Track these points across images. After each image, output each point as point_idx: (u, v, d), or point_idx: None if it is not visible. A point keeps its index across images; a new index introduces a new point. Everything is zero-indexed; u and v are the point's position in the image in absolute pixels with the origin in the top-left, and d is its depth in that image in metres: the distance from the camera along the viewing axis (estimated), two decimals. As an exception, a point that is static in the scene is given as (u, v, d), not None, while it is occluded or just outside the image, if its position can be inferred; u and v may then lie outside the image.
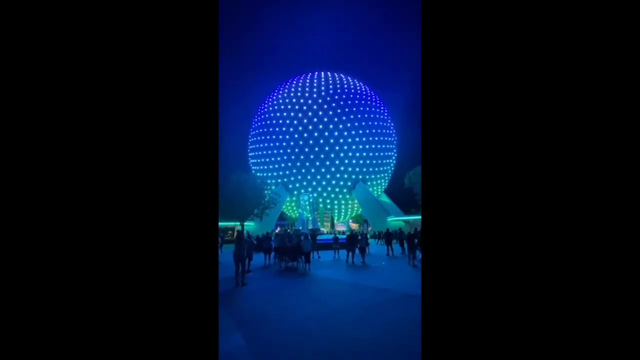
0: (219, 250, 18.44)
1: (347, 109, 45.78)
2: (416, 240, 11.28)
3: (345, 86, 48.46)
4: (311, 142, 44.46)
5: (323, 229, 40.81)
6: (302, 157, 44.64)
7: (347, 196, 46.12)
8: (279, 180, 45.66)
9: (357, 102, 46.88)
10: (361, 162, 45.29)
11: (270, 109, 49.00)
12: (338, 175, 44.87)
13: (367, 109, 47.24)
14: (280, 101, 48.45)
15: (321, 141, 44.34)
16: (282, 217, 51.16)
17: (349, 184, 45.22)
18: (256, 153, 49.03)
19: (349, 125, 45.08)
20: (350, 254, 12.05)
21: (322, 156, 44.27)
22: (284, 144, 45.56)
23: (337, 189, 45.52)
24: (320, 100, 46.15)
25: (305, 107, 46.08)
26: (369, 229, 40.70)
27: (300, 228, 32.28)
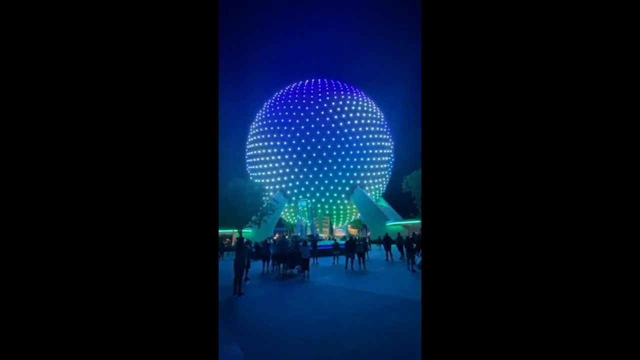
0: (220, 258, 18.31)
1: (343, 115, 46.09)
2: (414, 245, 11.26)
3: (342, 92, 48.85)
4: (309, 148, 44.58)
5: (322, 235, 40.61)
6: (300, 163, 44.70)
7: (346, 201, 46.07)
8: (277, 187, 45.58)
9: (353, 107, 47.23)
10: (359, 167, 45.40)
11: (268, 115, 49.20)
12: (336, 181, 44.88)
13: (364, 114, 47.58)
14: (278, 108, 48.69)
15: (318, 147, 44.48)
16: (281, 223, 50.92)
17: (347, 189, 45.21)
18: (254, 160, 49.05)
19: (345, 130, 45.31)
20: (349, 259, 11.98)
21: (319, 162, 44.35)
22: (282, 150, 45.65)
23: (335, 195, 45.47)
24: (317, 107, 46.45)
25: (302, 114, 46.33)
26: (368, 234, 40.54)
27: (299, 234, 32.11)
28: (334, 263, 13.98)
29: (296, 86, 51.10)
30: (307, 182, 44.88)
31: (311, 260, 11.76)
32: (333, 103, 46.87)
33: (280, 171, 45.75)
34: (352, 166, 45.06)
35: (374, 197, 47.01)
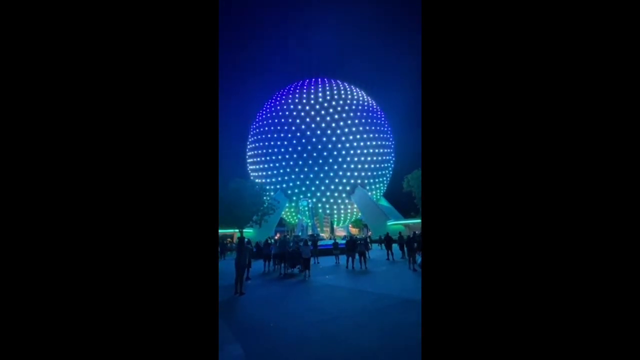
0: (222, 258, 18.38)
1: (344, 114, 46.02)
2: (415, 244, 11.24)
3: (342, 92, 48.80)
4: (309, 147, 44.56)
5: (323, 235, 40.64)
6: (300, 162, 44.69)
7: (346, 201, 46.05)
8: (278, 187, 45.61)
9: (354, 107, 47.17)
10: (359, 166, 45.36)
11: (268, 115, 49.21)
12: (337, 180, 44.86)
13: (364, 113, 47.51)
14: (278, 107, 48.69)
15: (319, 146, 44.45)
16: (282, 223, 50.97)
17: (348, 188, 45.20)
18: (255, 159, 49.07)
19: (346, 130, 45.26)
20: (350, 259, 11.97)
21: (320, 161, 44.32)
22: (282, 149, 45.65)
23: (336, 194, 45.45)
24: (317, 107, 46.42)
25: (303, 113, 46.32)
26: (369, 233, 40.53)
27: (300, 234, 32.13)
28: (336, 263, 13.94)
29: (297, 85, 51.07)
30: (307, 182, 44.87)
31: (312, 259, 11.76)
32: (334, 102, 46.81)
33: (281, 171, 45.75)
34: (352, 165, 45.02)
35: (374, 196, 46.99)
